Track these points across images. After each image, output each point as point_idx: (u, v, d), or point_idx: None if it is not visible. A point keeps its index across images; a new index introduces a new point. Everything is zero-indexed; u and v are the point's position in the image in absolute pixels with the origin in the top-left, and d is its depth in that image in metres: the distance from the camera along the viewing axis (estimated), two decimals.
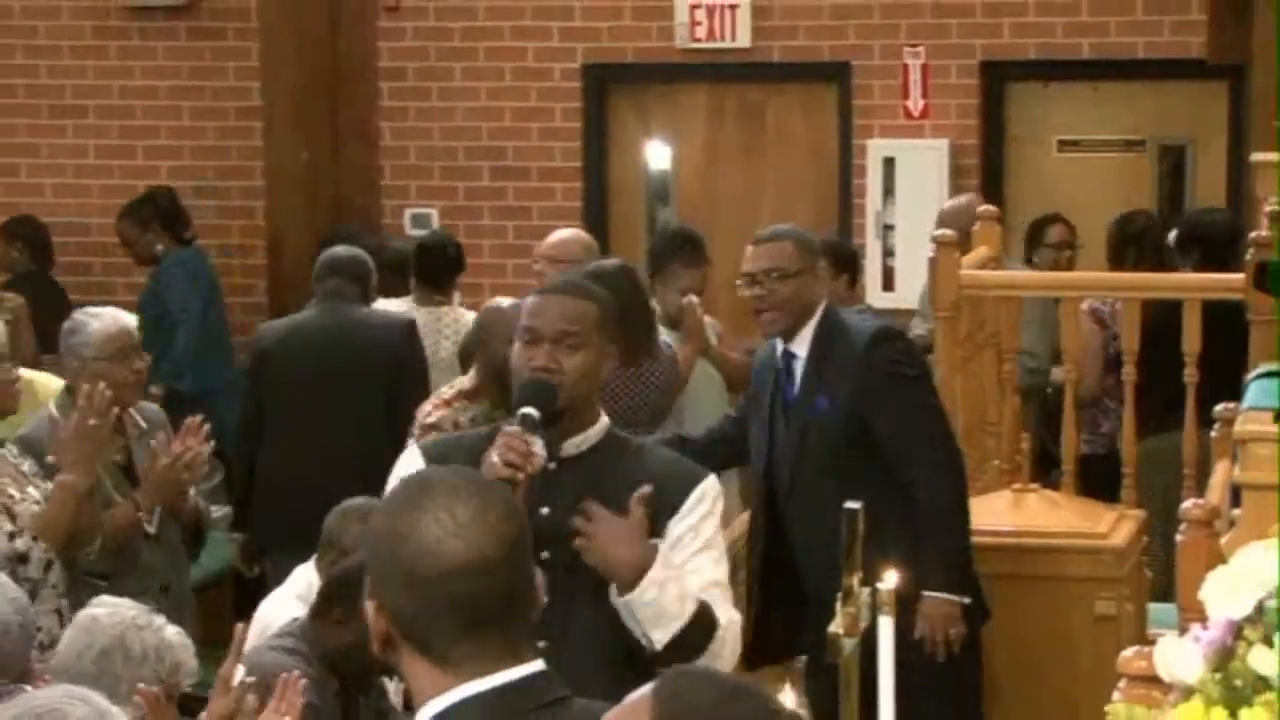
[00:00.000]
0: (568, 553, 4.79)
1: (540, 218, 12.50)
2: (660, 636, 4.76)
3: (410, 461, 5.06)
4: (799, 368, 7.28)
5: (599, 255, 10.36)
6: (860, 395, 7.07)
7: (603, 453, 5.00)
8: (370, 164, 12.78)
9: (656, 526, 4.85)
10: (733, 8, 12.44)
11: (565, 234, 10.62)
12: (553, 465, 4.85)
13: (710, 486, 5.01)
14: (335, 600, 5.83)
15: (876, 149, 12.41)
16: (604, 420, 5.04)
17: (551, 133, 12.84)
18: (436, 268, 11.02)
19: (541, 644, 3.92)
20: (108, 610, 5.70)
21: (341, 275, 9.87)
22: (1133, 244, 10.63)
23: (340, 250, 10.32)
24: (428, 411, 7.99)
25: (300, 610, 6.18)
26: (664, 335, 8.98)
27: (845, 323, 7.48)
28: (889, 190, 12.31)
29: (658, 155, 13.03)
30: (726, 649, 4.91)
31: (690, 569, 4.90)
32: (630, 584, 4.75)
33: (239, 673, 5.34)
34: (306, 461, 9.47)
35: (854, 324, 7.54)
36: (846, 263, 10.55)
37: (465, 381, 8.08)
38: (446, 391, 8.23)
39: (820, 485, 6.93)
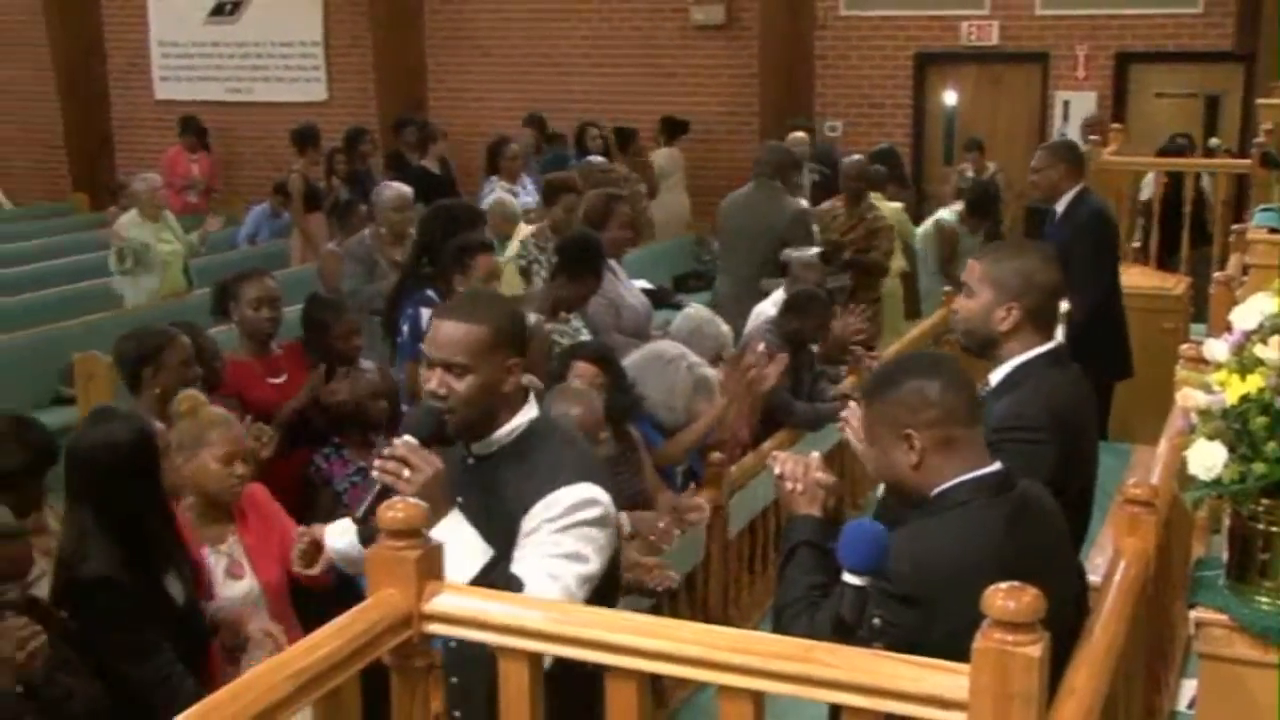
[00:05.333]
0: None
1: (889, 127, 12.28)
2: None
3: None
4: (1056, 219, 6.20)
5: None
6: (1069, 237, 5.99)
7: (508, 455, 2.74)
8: (808, 99, 12.47)
9: (514, 525, 2.65)
10: (990, 22, 11.85)
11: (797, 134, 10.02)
12: (471, 461, 2.77)
13: (564, 496, 2.62)
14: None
15: (1060, 96, 11.75)
16: (515, 422, 2.74)
17: (897, 85, 12.35)
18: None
19: None
20: (695, 308, 5.65)
21: (762, 166, 7.54)
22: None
23: (771, 144, 8.36)
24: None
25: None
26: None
27: (1090, 200, 6.22)
28: (1065, 118, 11.66)
29: (949, 100, 12.38)
30: None
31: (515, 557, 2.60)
32: None
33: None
34: (728, 278, 7.59)
35: (1095, 202, 6.28)
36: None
37: None
38: None
39: None
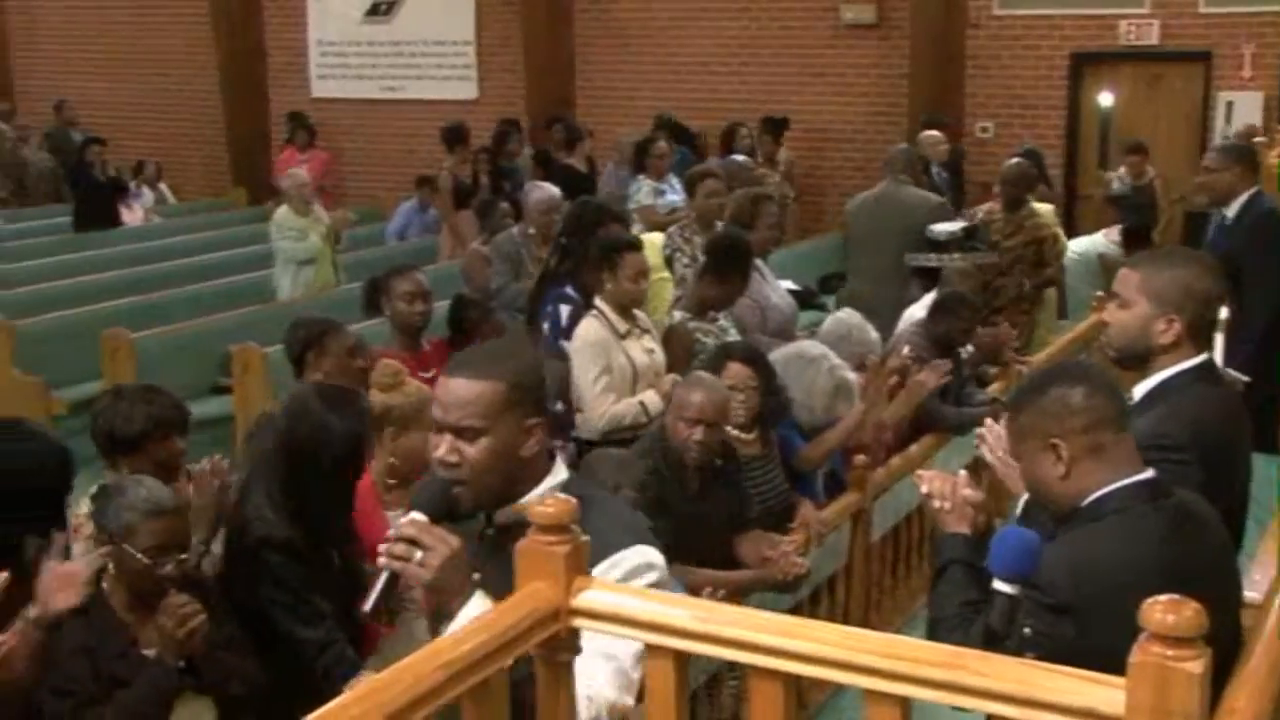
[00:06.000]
0: None
1: (1044, 128, 12.01)
2: None
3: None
4: (1224, 224, 5.98)
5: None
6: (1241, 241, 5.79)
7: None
8: (958, 99, 12.25)
9: None
10: (1150, 21, 11.48)
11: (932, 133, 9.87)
12: (491, 532, 2.42)
13: (624, 559, 2.33)
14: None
15: (1223, 97, 11.32)
16: (540, 489, 2.39)
17: (1051, 86, 12.04)
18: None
19: None
20: (848, 313, 5.60)
21: (893, 165, 7.70)
22: None
23: (900, 146, 8.42)
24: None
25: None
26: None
27: (1263, 203, 5.94)
28: (1228, 119, 11.18)
29: (1105, 100, 11.97)
30: None
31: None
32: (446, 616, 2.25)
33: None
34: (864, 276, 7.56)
35: (1269, 204, 5.97)
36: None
37: None
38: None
39: None
